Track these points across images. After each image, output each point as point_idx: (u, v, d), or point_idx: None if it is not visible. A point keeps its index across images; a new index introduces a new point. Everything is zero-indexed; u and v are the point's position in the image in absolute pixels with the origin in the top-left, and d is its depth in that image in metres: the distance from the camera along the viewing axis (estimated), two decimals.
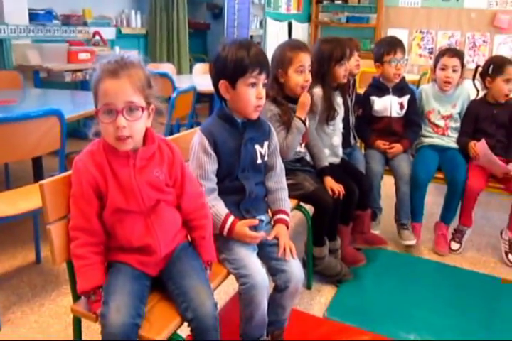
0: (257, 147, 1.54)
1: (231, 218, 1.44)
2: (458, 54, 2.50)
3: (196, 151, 1.46)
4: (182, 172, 1.31)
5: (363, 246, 2.34)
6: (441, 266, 2.33)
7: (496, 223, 2.61)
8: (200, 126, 1.53)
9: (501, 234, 2.45)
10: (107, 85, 1.14)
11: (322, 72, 2.16)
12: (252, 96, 1.44)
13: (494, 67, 2.46)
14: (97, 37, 4.00)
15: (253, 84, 1.43)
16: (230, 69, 1.42)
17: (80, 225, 1.20)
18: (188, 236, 1.37)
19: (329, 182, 2.05)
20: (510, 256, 2.38)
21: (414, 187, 2.40)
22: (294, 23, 6.42)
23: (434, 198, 2.78)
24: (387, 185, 2.55)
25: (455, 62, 2.46)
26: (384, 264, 2.31)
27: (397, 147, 2.47)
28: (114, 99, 1.14)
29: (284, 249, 1.50)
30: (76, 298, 1.25)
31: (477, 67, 2.57)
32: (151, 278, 1.27)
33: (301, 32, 6.71)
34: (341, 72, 2.18)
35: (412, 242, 2.42)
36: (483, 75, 2.50)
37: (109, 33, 4.21)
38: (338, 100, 2.25)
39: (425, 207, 2.45)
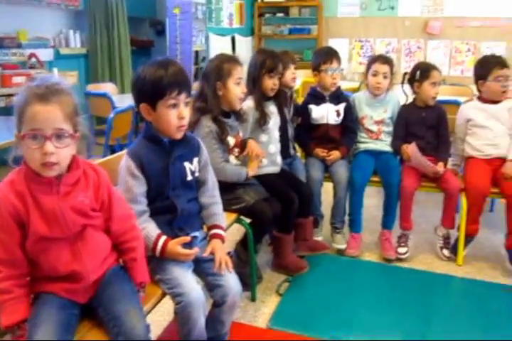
0: (187, 164, 1.56)
1: (162, 238, 1.45)
2: (388, 61, 2.62)
3: (124, 175, 1.46)
4: (109, 195, 1.31)
5: (306, 253, 2.39)
6: (382, 267, 2.42)
7: (432, 220, 2.73)
8: (127, 149, 1.53)
9: (435, 230, 2.55)
10: (36, 110, 1.12)
11: (253, 80, 2.22)
12: (174, 117, 1.45)
13: (421, 72, 2.58)
14: (34, 59, 3.91)
15: (174, 105, 1.44)
16: (148, 92, 1.43)
17: (2, 258, 1.17)
18: (120, 260, 1.37)
19: (252, 144, 2.07)
20: (444, 250, 2.49)
21: (352, 191, 2.49)
22: (238, 37, 6.50)
23: (375, 201, 2.88)
24: (327, 192, 2.62)
25: (386, 68, 2.58)
26: (327, 269, 2.36)
27: (335, 154, 2.54)
28: (43, 125, 1.12)
29: (220, 264, 1.51)
30: (2, 333, 1.22)
31: (405, 73, 2.69)
32: (81, 306, 1.25)
33: (245, 45, 6.80)
34: (269, 84, 2.22)
35: (343, 246, 2.51)
36: (411, 81, 2.62)
37: (46, 55, 4.12)
38: (272, 108, 2.30)
39: (367, 210, 2.54)
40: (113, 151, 2.88)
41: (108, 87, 3.85)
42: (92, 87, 3.75)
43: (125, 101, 3.37)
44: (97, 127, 3.35)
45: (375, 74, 2.59)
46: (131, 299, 1.26)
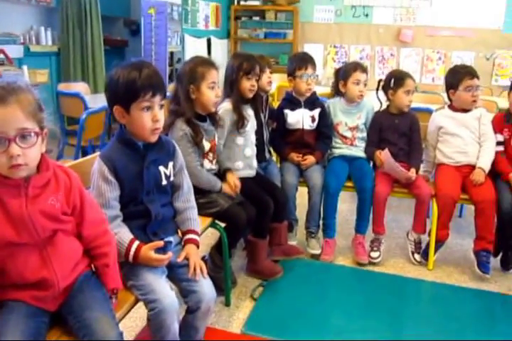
0: (161, 168, 1.53)
1: (135, 243, 1.42)
2: (366, 69, 2.66)
3: (96, 179, 1.43)
4: (81, 198, 1.27)
5: (281, 257, 2.40)
6: (355, 271, 2.45)
7: (404, 224, 2.78)
8: (100, 153, 1.50)
9: (407, 235, 2.60)
10: None
11: (230, 83, 2.22)
12: (148, 119, 1.42)
13: (395, 80, 2.63)
14: (2, 55, 3.79)
15: (148, 108, 1.42)
16: (122, 94, 1.40)
17: None
18: (92, 265, 1.33)
19: (231, 177, 2.07)
20: (416, 255, 2.54)
21: (326, 196, 2.51)
22: (213, 39, 6.49)
23: (349, 205, 2.91)
24: (302, 196, 2.63)
25: (365, 77, 2.62)
26: (301, 274, 2.37)
27: (310, 159, 2.56)
28: (4, 127, 1.07)
29: (195, 269, 1.49)
30: None
31: (379, 81, 2.73)
32: (50, 314, 1.21)
33: (221, 48, 6.78)
34: (247, 85, 2.22)
35: (317, 252, 2.53)
36: (386, 88, 2.66)
37: (15, 51, 4.00)
38: (249, 112, 2.30)
39: (340, 214, 2.57)
40: (85, 152, 2.82)
41: (80, 87, 3.76)
42: (63, 87, 3.66)
43: (98, 101, 3.30)
44: (69, 127, 3.27)
45: (357, 83, 2.60)
46: (103, 306, 1.22)
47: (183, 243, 1.59)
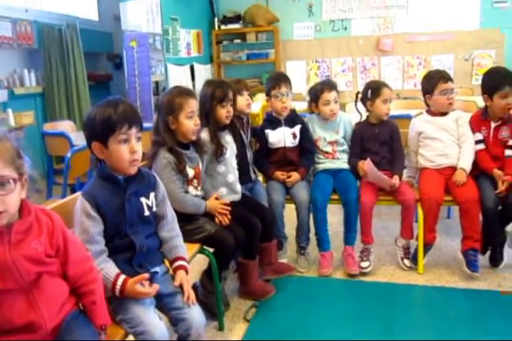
0: (143, 199, 1.57)
1: (121, 277, 1.44)
2: (334, 87, 2.70)
3: (79, 216, 1.46)
4: (64, 239, 1.29)
5: (272, 276, 2.41)
6: (346, 283, 2.46)
7: (394, 231, 2.80)
8: (81, 191, 1.53)
9: (396, 241, 2.62)
10: None
11: (205, 112, 2.25)
12: (126, 152, 1.47)
13: (372, 90, 2.68)
14: None
15: (125, 141, 1.46)
16: (99, 130, 1.45)
17: None
18: (79, 304, 1.35)
19: (213, 205, 2.09)
20: (405, 261, 2.56)
21: (314, 211, 2.54)
22: (196, 65, 6.59)
23: (337, 218, 2.93)
24: (290, 213, 2.65)
25: (334, 94, 2.66)
26: (293, 291, 2.38)
27: (295, 175, 2.59)
28: None
29: (188, 296, 1.52)
30: None
31: (357, 93, 2.78)
32: None
33: (204, 73, 6.88)
34: (223, 112, 2.26)
35: (303, 270, 2.55)
36: (364, 99, 2.72)
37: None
38: (227, 138, 2.33)
39: (329, 227, 2.58)
40: (73, 190, 2.85)
41: (65, 125, 3.82)
42: (48, 126, 3.72)
43: (83, 138, 3.35)
44: (57, 166, 3.32)
45: (327, 104, 2.65)
46: None
47: (172, 270, 1.61)
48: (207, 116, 2.26)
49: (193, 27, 6.69)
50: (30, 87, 4.54)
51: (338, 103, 2.68)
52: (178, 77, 6.06)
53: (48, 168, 3.21)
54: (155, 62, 5.81)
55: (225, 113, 2.26)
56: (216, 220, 2.08)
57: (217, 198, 2.14)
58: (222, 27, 7.03)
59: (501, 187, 2.36)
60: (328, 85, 2.69)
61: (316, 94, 2.69)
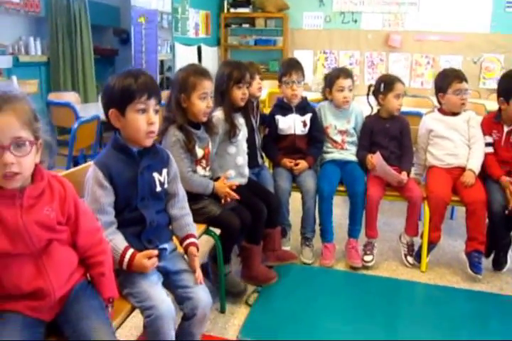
0: (156, 175, 1.54)
1: (130, 251, 1.42)
2: (350, 74, 2.68)
3: (91, 185, 1.43)
4: (76, 208, 1.27)
5: (275, 263, 2.40)
6: (349, 275, 2.46)
7: (397, 227, 2.80)
8: (94, 159, 1.51)
9: (400, 237, 2.62)
10: None
11: (221, 93, 2.22)
12: (143, 122, 1.44)
13: (385, 84, 2.65)
14: None
15: (143, 110, 1.44)
16: (118, 97, 1.42)
17: None
18: (87, 274, 1.33)
19: (221, 187, 2.06)
20: (409, 257, 2.56)
21: (320, 201, 2.52)
22: (204, 47, 6.51)
23: (341, 210, 2.93)
24: (295, 202, 2.64)
25: (349, 82, 2.64)
26: (295, 279, 2.38)
27: (302, 164, 2.57)
28: None
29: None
30: None
31: (369, 86, 2.75)
32: (46, 324, 1.21)
33: (211, 55, 6.81)
34: (239, 94, 2.23)
35: (309, 261, 2.53)
36: (376, 93, 2.69)
37: (4, 62, 3.97)
38: (241, 121, 2.31)
39: (333, 218, 2.57)
40: (76, 162, 2.81)
41: (70, 97, 3.76)
42: (53, 96, 3.65)
43: (89, 111, 3.31)
44: (60, 137, 3.27)
45: (341, 90, 2.63)
46: (100, 315, 1.22)
47: (183, 248, 1.60)
48: (222, 95, 2.23)
49: (202, 8, 6.60)
50: (35, 56, 4.44)
51: (352, 92, 2.65)
52: (185, 56, 5.98)
53: (51, 135, 3.15)
54: (161, 40, 5.72)
55: (240, 94, 2.24)
56: (222, 201, 2.06)
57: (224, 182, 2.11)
58: (232, 10, 6.93)
59: (509, 196, 2.33)
60: (345, 72, 2.67)
61: (331, 80, 2.66)
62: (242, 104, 2.27)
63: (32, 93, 3.97)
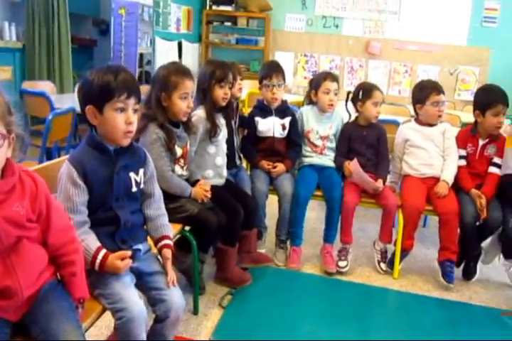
0: (132, 174, 1.50)
1: (102, 252, 1.38)
2: (336, 78, 2.70)
3: (64, 183, 1.38)
4: (47, 205, 1.22)
5: (250, 265, 2.39)
6: (323, 280, 2.47)
7: (371, 234, 2.83)
8: (68, 156, 1.46)
9: (374, 244, 2.65)
10: None
11: (203, 91, 2.20)
12: (121, 121, 1.39)
13: (363, 92, 2.67)
14: None
15: (121, 109, 1.39)
16: (96, 94, 1.37)
17: None
18: (57, 274, 1.28)
19: (201, 183, 2.06)
20: (382, 264, 2.58)
21: (295, 204, 2.52)
22: (184, 43, 6.43)
23: (316, 214, 2.94)
24: (272, 204, 2.63)
25: (335, 85, 2.65)
26: (270, 282, 2.37)
27: (280, 166, 2.57)
28: None
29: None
30: None
31: (348, 92, 2.76)
32: (13, 324, 1.16)
33: (192, 52, 6.74)
34: (221, 93, 2.21)
35: (282, 264, 2.54)
36: (354, 100, 2.71)
37: None
38: (222, 121, 2.29)
39: (308, 222, 2.59)
40: (49, 154, 2.72)
41: (46, 86, 3.64)
42: (28, 85, 3.53)
43: (64, 101, 3.21)
44: (33, 127, 3.16)
45: (327, 92, 2.63)
46: (69, 316, 1.18)
47: (157, 249, 1.57)
48: (204, 94, 2.20)
49: (184, 3, 6.52)
50: (9, 41, 4.28)
51: (337, 96, 2.66)
52: (165, 51, 5.89)
53: (23, 128, 3.05)
54: (141, 33, 5.61)
55: (222, 94, 2.22)
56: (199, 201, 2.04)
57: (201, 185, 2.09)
58: (214, 7, 6.88)
59: (480, 207, 2.38)
60: (332, 75, 2.68)
61: (317, 82, 2.66)
62: (224, 103, 2.25)
63: (5, 80, 3.83)
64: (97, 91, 1.37)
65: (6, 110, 1.10)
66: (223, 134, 2.29)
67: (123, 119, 1.40)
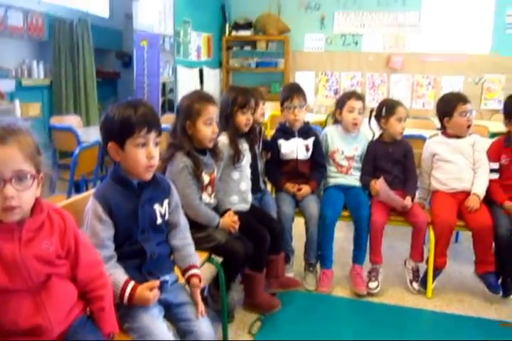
0: (157, 206, 1.52)
1: (131, 284, 1.38)
2: (362, 97, 2.69)
3: (90, 219, 1.41)
4: (76, 241, 1.24)
5: (278, 290, 2.36)
6: (354, 302, 2.40)
7: (400, 252, 2.76)
8: (93, 192, 1.48)
9: (405, 263, 2.57)
10: None
11: (226, 117, 2.22)
12: (142, 156, 1.42)
13: (386, 108, 2.65)
14: None
15: (142, 145, 1.42)
16: (117, 130, 1.40)
17: None
18: (87, 309, 1.29)
19: (230, 213, 2.05)
20: (414, 284, 2.50)
21: (322, 226, 2.48)
22: (205, 69, 6.57)
23: (344, 234, 2.89)
24: (298, 227, 2.60)
25: (360, 104, 2.64)
26: (299, 307, 2.33)
27: (305, 188, 2.55)
28: (1, 168, 1.06)
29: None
30: None
31: (371, 110, 2.75)
32: None
33: (213, 77, 6.86)
34: (243, 119, 2.23)
35: (313, 288, 2.49)
36: (378, 117, 2.69)
37: (7, 85, 4.02)
38: (245, 146, 2.30)
39: (336, 243, 2.54)
40: (77, 187, 2.80)
41: (72, 120, 3.77)
42: (55, 120, 3.66)
43: (91, 134, 3.31)
44: (61, 161, 3.26)
45: (351, 111, 2.63)
46: None
47: (185, 279, 1.56)
48: (227, 120, 2.22)
49: (204, 30, 6.68)
50: (38, 79, 4.49)
51: (362, 115, 2.64)
52: (187, 79, 6.02)
53: (52, 163, 3.15)
54: (163, 63, 5.78)
55: (244, 120, 2.24)
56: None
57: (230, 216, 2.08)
58: (233, 33, 7.02)
59: None
60: (357, 94, 2.68)
61: (342, 101, 2.67)
62: (246, 129, 2.27)
63: (34, 116, 3.99)
64: (117, 128, 1.40)
65: (35, 150, 1.14)
66: (247, 159, 2.30)
67: (144, 154, 1.42)
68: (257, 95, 2.49)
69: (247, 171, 2.32)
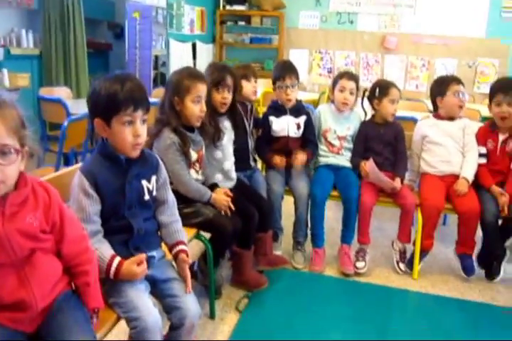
0: (144, 182, 1.50)
1: (117, 259, 1.38)
2: (355, 78, 2.65)
3: (76, 193, 1.39)
4: (61, 215, 1.22)
5: (266, 267, 2.38)
6: (341, 282, 2.43)
7: (389, 233, 2.78)
8: (80, 166, 1.46)
9: (392, 244, 2.60)
10: None
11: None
12: (129, 134, 1.39)
13: (380, 89, 2.63)
14: None
15: (129, 122, 1.38)
16: (103, 107, 1.37)
17: None
18: (72, 283, 1.29)
19: (220, 197, 2.02)
20: (401, 264, 2.54)
21: (313, 206, 2.49)
22: (199, 44, 6.45)
23: (333, 213, 2.90)
24: (287, 205, 2.61)
25: (352, 85, 2.60)
26: (286, 285, 2.35)
27: (301, 155, 2.47)
28: None
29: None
30: None
31: (364, 90, 2.72)
32: (27, 336, 1.16)
33: (206, 52, 6.74)
34: (218, 98, 2.16)
35: (300, 266, 2.51)
36: (371, 98, 2.66)
37: None
38: (226, 124, 2.26)
39: (325, 222, 2.55)
40: (66, 159, 2.76)
41: (62, 92, 3.69)
42: (45, 91, 3.58)
43: (80, 107, 3.24)
44: (50, 133, 3.20)
45: (341, 90, 2.61)
46: (84, 327, 1.18)
47: (172, 255, 1.56)
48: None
49: (197, 4, 6.52)
50: (27, 48, 4.35)
51: (354, 96, 2.62)
52: (179, 53, 5.91)
53: (41, 134, 3.10)
54: (156, 36, 5.65)
55: (219, 98, 2.16)
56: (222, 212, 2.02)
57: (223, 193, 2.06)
58: (227, 7, 6.87)
59: (502, 204, 2.33)
60: (350, 74, 2.65)
61: (335, 80, 2.65)
62: (222, 110, 2.20)
63: (23, 87, 3.89)
64: (103, 105, 1.37)
65: (19, 124, 1.11)
66: (228, 138, 2.26)
67: (130, 132, 1.39)
68: (247, 71, 2.44)
69: (230, 149, 2.29)
